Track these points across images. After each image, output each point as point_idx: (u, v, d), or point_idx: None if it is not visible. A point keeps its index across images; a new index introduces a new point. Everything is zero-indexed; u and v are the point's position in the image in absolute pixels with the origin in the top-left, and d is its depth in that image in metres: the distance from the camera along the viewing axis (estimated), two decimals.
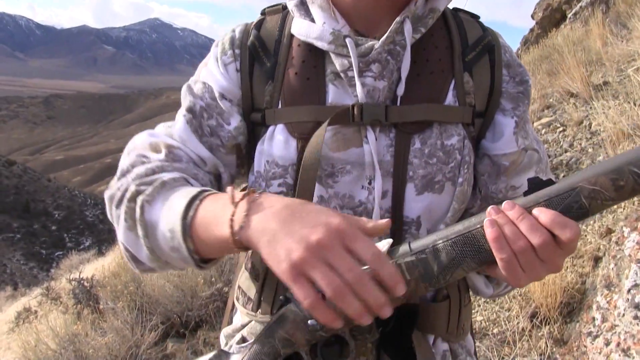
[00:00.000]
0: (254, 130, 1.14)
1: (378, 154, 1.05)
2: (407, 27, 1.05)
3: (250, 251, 1.10)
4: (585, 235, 3.64)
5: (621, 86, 5.45)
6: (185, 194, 0.93)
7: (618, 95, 5.23)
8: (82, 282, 7.03)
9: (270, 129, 1.09)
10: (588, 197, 0.81)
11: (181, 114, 1.12)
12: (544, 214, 0.82)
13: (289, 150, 1.06)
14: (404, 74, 1.05)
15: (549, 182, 0.84)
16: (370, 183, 1.06)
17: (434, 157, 1.06)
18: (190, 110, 1.12)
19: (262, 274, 1.14)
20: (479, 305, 3.67)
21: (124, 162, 1.08)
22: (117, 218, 1.01)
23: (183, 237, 0.90)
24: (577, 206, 0.82)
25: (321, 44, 1.07)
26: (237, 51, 1.13)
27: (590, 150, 4.70)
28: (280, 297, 0.92)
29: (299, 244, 0.76)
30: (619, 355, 2.44)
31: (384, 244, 0.86)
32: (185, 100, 1.14)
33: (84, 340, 4.61)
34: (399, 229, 1.07)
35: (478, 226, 0.85)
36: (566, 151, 4.89)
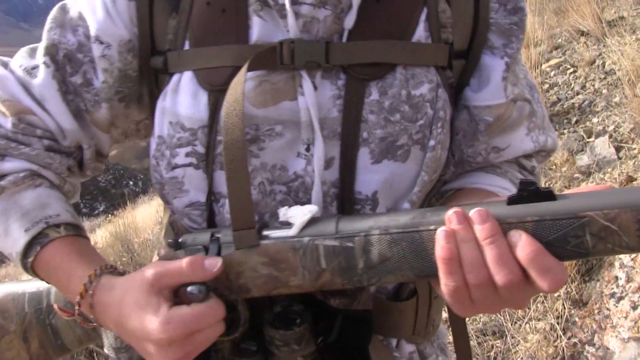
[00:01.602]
0: (157, 80, 0.89)
1: (320, 110, 0.81)
2: None
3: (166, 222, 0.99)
4: (604, 184, 3.37)
5: (638, 20, 5.17)
6: (26, 222, 0.84)
7: (635, 30, 4.96)
8: None
9: (175, 78, 0.85)
10: (596, 236, 0.61)
11: (41, 55, 0.88)
12: (523, 246, 0.62)
13: (198, 107, 0.82)
14: (355, 0, 0.81)
15: (548, 194, 0.64)
16: (308, 149, 0.83)
17: (396, 113, 0.82)
18: (51, 55, 0.88)
19: None
20: None
21: None
22: None
23: (24, 269, 0.86)
24: (577, 243, 0.62)
25: None
26: None
27: (604, 91, 4.44)
28: (169, 240, 0.84)
29: (158, 351, 0.74)
30: None
31: (305, 213, 0.74)
32: (51, 31, 0.89)
33: None
34: (349, 210, 0.84)
35: (431, 227, 0.67)
36: (578, 93, 4.64)
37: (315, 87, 0.82)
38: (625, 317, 2.37)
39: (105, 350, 0.92)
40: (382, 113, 0.82)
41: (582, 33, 5.73)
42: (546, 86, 5.02)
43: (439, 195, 0.98)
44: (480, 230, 0.64)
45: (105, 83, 0.89)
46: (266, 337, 0.80)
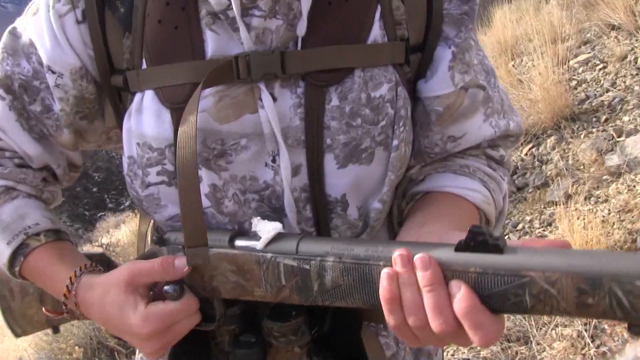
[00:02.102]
0: (120, 96, 0.91)
1: (282, 120, 0.83)
2: None
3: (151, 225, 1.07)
4: (634, 186, 3.37)
5: None
6: (8, 235, 0.90)
7: None
8: (107, 248, 7.04)
9: (137, 98, 0.86)
10: (535, 297, 0.61)
11: None
12: (460, 299, 0.63)
13: (162, 126, 0.84)
14: (306, 5, 0.81)
15: (495, 247, 0.63)
16: (274, 160, 0.85)
17: (357, 117, 0.84)
18: (7, 87, 0.91)
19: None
20: None
21: None
22: None
23: (13, 277, 0.93)
24: (516, 300, 0.63)
25: None
26: None
27: (636, 88, 4.37)
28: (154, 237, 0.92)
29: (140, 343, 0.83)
30: None
31: (270, 230, 0.78)
32: (3, 62, 0.91)
33: None
34: (322, 211, 0.88)
35: (380, 263, 0.70)
36: (608, 90, 4.57)
37: (275, 98, 0.83)
38: None
39: None
40: (344, 119, 0.84)
41: (613, 27, 5.66)
42: (574, 83, 4.97)
43: (409, 197, 0.97)
44: (422, 277, 0.65)
45: (63, 111, 0.91)
46: (264, 329, 0.85)
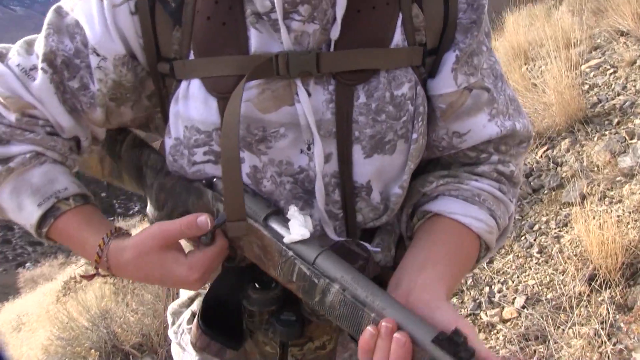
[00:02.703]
0: (165, 82, 0.98)
1: (316, 113, 0.92)
2: None
3: None
4: None
5: None
6: (38, 197, 0.95)
7: None
8: None
9: (183, 85, 0.94)
10: None
11: (40, 60, 0.95)
12: None
13: (209, 112, 0.92)
14: (340, 12, 0.89)
15: (464, 354, 0.72)
16: (309, 148, 0.94)
17: (382, 113, 0.93)
18: (49, 61, 0.95)
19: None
20: (530, 268, 3.43)
21: None
22: None
23: (38, 237, 0.98)
24: None
25: None
26: None
27: None
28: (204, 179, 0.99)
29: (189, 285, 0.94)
30: None
31: (298, 233, 0.87)
32: (48, 37, 0.95)
33: (115, 317, 4.51)
34: (349, 195, 0.98)
35: (372, 315, 0.79)
36: (619, 94, 4.60)
37: (309, 94, 0.91)
38: None
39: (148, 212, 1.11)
40: (370, 114, 0.92)
41: (622, 33, 5.70)
42: (586, 87, 4.98)
43: (420, 214, 1.04)
44: (393, 352, 0.75)
45: (100, 91, 0.96)
46: (306, 308, 0.93)
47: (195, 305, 1.14)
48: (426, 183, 1.04)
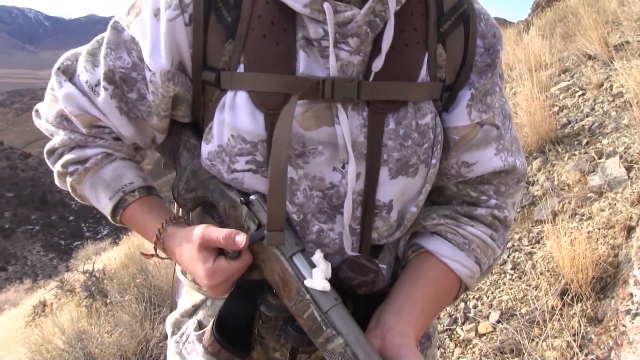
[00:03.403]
0: (205, 89, 1.04)
1: (351, 135, 1.00)
2: None
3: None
4: (615, 204, 3.44)
5: None
6: (109, 192, 1.11)
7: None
8: (93, 274, 6.91)
9: (229, 95, 1.00)
10: None
11: (101, 78, 1.05)
12: None
13: (256, 125, 0.98)
14: (385, 48, 0.97)
15: None
16: (343, 167, 1.02)
17: (409, 139, 1.02)
18: (109, 79, 1.04)
19: None
20: (504, 284, 3.48)
21: (49, 113, 1.12)
22: (52, 169, 1.15)
23: (115, 223, 1.15)
24: None
25: (294, 5, 0.94)
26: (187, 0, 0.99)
27: (613, 113, 4.50)
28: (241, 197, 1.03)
29: (205, 286, 1.02)
30: None
31: (319, 285, 0.94)
32: (107, 58, 1.04)
33: (92, 338, 4.46)
34: (369, 213, 1.05)
35: None
36: (587, 115, 4.71)
37: (347, 117, 0.99)
38: None
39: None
40: (398, 139, 1.01)
41: (590, 57, 5.83)
42: (556, 109, 5.07)
43: (415, 247, 1.15)
44: None
45: (154, 102, 1.04)
46: None
47: (201, 315, 1.18)
48: (428, 218, 1.13)
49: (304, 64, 0.97)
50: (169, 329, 1.26)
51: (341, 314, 0.94)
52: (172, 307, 1.30)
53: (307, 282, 0.95)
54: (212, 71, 1.00)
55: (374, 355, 0.91)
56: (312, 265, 0.97)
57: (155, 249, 1.09)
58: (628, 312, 2.54)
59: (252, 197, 1.02)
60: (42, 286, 15.42)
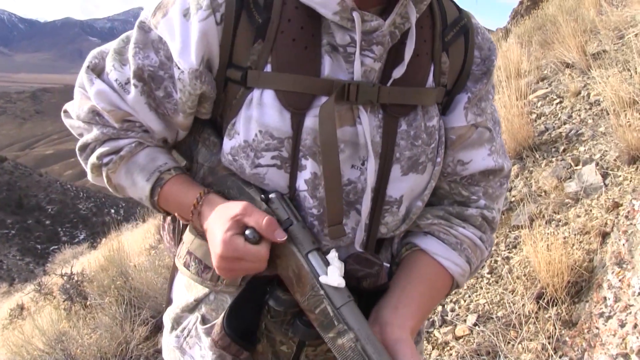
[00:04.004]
0: (227, 87, 1.09)
1: (370, 135, 1.06)
2: (412, 10, 1.03)
3: None
4: (591, 210, 3.50)
5: (619, 54, 5.32)
6: (145, 174, 1.13)
7: (617, 63, 5.09)
8: (72, 277, 6.87)
9: (256, 93, 1.05)
10: None
11: (131, 76, 1.09)
12: None
13: (284, 123, 1.04)
14: (407, 57, 1.05)
15: None
16: (363, 164, 1.08)
17: (419, 139, 1.10)
18: (139, 76, 1.08)
19: None
20: (481, 288, 3.53)
21: (80, 110, 1.15)
22: (84, 166, 1.19)
23: (152, 207, 1.17)
24: None
25: (325, 12, 1.01)
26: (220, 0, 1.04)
27: (590, 121, 4.58)
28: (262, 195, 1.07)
29: (215, 260, 1.02)
30: (637, 337, 2.30)
31: (335, 281, 0.99)
32: (136, 56, 1.09)
33: (72, 339, 4.45)
34: (379, 208, 1.12)
35: None
36: (565, 123, 4.78)
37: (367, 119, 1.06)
38: (614, 335, 2.42)
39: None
40: (409, 139, 1.09)
41: (567, 65, 5.89)
42: (534, 116, 5.13)
43: (409, 246, 1.22)
44: None
45: (181, 99, 1.08)
46: None
47: (204, 309, 1.21)
48: (423, 218, 1.21)
49: (328, 68, 1.04)
50: (167, 324, 1.28)
51: (353, 311, 0.98)
52: (168, 303, 1.32)
53: (323, 279, 0.99)
54: (238, 69, 1.06)
55: (383, 351, 0.95)
56: (327, 264, 1.01)
57: (192, 212, 1.09)
58: (601, 315, 2.59)
59: (271, 195, 1.06)
60: (19, 290, 15.26)
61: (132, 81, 1.08)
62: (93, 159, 1.14)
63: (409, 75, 1.07)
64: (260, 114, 1.04)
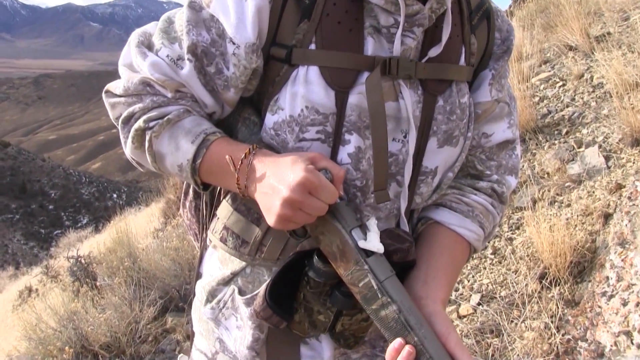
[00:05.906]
0: (269, 64, 1.14)
1: (411, 109, 1.13)
2: None
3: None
4: (594, 192, 3.53)
5: (624, 36, 5.31)
6: (190, 136, 1.12)
7: (621, 46, 5.08)
8: (79, 259, 6.95)
9: (301, 70, 1.10)
10: None
11: (185, 52, 1.13)
12: None
13: (329, 99, 1.09)
14: (445, 37, 1.13)
15: None
16: (405, 136, 1.14)
17: (454, 114, 1.18)
18: (192, 52, 1.12)
19: None
20: (485, 268, 3.58)
21: (129, 82, 1.15)
22: (125, 139, 1.17)
23: (192, 175, 1.14)
24: None
25: None
26: None
27: (593, 103, 4.58)
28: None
29: (278, 202, 1.01)
30: (639, 315, 2.34)
31: (372, 246, 1.03)
32: (190, 33, 1.12)
33: (83, 318, 4.53)
34: (415, 178, 1.19)
35: (414, 339, 0.99)
36: (568, 106, 4.78)
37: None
38: (616, 313, 2.46)
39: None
40: (445, 114, 1.17)
41: (571, 48, 5.86)
42: (536, 99, 5.13)
43: (424, 220, 1.30)
44: None
45: (234, 74, 1.13)
46: None
47: (240, 282, 1.24)
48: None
49: (371, 47, 1.10)
50: (202, 296, 1.31)
51: (395, 284, 1.03)
52: (197, 276, 1.35)
53: (362, 244, 1.03)
54: (282, 47, 1.11)
55: (424, 322, 1.01)
56: (366, 229, 1.06)
57: (242, 161, 1.07)
58: (604, 294, 2.63)
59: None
60: (25, 273, 15.34)
61: (187, 56, 1.12)
62: (139, 123, 1.13)
63: (443, 55, 1.15)
64: (307, 91, 1.09)
